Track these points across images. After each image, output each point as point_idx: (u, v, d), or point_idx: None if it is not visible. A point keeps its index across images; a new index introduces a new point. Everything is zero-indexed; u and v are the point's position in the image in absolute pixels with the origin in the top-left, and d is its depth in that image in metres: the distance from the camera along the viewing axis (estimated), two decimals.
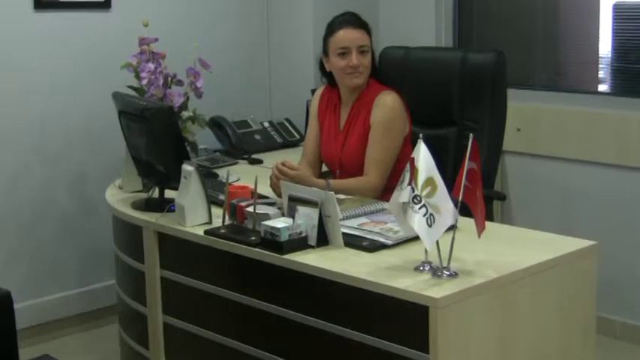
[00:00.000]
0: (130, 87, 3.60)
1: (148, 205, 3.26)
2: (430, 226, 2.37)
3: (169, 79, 3.55)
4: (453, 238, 2.43)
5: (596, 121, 4.24)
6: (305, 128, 3.92)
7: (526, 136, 4.45)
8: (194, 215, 3.00)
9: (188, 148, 3.34)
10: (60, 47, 4.28)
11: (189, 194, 2.99)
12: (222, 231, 2.90)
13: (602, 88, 4.50)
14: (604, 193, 4.25)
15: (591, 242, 2.75)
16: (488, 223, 2.52)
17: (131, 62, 3.58)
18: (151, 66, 3.51)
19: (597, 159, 4.24)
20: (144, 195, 3.40)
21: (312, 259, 2.64)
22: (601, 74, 4.50)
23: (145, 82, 3.51)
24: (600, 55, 4.44)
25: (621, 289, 4.21)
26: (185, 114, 3.56)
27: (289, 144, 4.47)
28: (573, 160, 4.32)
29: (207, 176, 3.44)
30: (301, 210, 2.74)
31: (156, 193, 3.29)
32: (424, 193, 2.37)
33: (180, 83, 3.59)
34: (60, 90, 4.30)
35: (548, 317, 2.63)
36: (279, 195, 3.04)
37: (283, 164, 3.18)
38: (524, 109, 4.41)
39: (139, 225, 3.20)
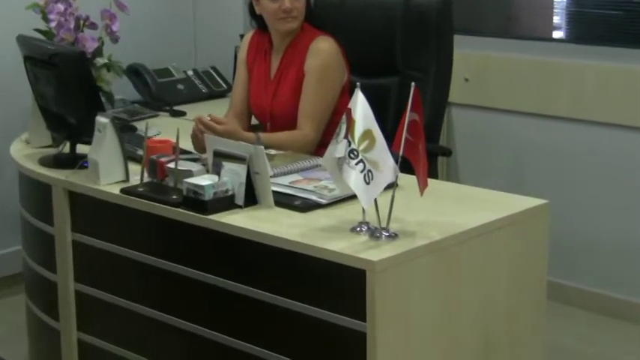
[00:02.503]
0: (37, 30, 3.54)
1: (58, 161, 3.23)
2: (368, 183, 2.37)
3: (81, 21, 3.51)
4: (393, 197, 2.44)
5: (549, 71, 4.27)
6: (233, 77, 3.91)
7: (474, 86, 4.48)
8: (109, 172, 2.98)
9: (103, 99, 3.32)
10: None
11: (103, 149, 2.97)
12: (141, 189, 2.88)
13: (557, 34, 4.54)
14: (557, 148, 4.31)
15: (542, 201, 2.78)
16: (431, 181, 2.54)
17: (38, 3, 3.52)
18: (61, 7, 3.46)
19: (550, 112, 4.29)
20: (53, 150, 3.36)
21: (239, 220, 2.64)
22: (556, 20, 4.54)
23: (53, 24, 3.46)
24: (555, 0, 4.48)
25: (575, 252, 4.28)
26: (99, 61, 3.52)
27: (215, 94, 4.45)
28: (524, 113, 4.37)
29: (124, 129, 3.42)
30: (227, 166, 2.73)
31: (67, 148, 3.26)
32: (361, 147, 2.37)
33: (93, 26, 3.54)
34: None
35: (496, 282, 2.67)
36: (201, 152, 3.04)
37: (210, 118, 3.15)
38: (472, 58, 4.43)
39: (47, 183, 3.16)
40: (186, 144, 3.13)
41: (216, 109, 3.49)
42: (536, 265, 2.79)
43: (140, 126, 3.68)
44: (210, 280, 2.72)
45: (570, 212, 4.24)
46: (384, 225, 2.46)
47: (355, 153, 2.37)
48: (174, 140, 2.87)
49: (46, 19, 3.50)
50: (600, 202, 4.22)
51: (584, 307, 4.25)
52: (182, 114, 4.08)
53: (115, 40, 3.55)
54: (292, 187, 2.81)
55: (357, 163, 2.37)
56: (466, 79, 4.46)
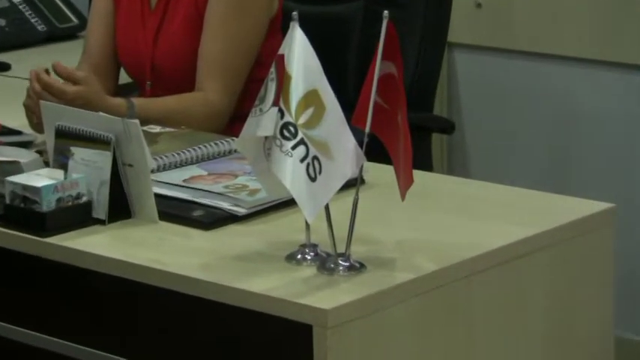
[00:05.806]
0: None
1: None
2: (314, 179, 2.37)
3: None
4: (356, 202, 2.44)
5: None
6: (88, 8, 3.90)
7: (490, 16, 4.50)
8: None
9: None
10: None
11: None
12: None
13: None
14: (628, 117, 4.33)
15: (605, 205, 2.81)
16: (419, 174, 2.55)
17: None
18: None
19: (612, 57, 4.34)
20: None
21: (100, 245, 2.65)
22: None
23: None
24: None
25: None
26: None
27: (60, 35, 4.51)
28: (570, 59, 4.41)
29: None
30: (80, 154, 2.74)
31: None
32: (302, 121, 2.37)
33: None
34: None
35: (527, 338, 2.68)
36: (40, 130, 3.04)
37: (55, 70, 3.16)
38: None
39: None
40: (14, 118, 3.16)
41: (63, 59, 3.46)
42: (595, 312, 2.81)
43: None
44: (51, 345, 2.71)
45: None
46: (341, 249, 2.46)
47: (292, 130, 2.37)
48: None
49: None
50: None
51: None
52: (5, 67, 4.12)
53: None
54: (189, 187, 2.82)
55: (294, 147, 2.36)
56: (478, 4, 4.48)
